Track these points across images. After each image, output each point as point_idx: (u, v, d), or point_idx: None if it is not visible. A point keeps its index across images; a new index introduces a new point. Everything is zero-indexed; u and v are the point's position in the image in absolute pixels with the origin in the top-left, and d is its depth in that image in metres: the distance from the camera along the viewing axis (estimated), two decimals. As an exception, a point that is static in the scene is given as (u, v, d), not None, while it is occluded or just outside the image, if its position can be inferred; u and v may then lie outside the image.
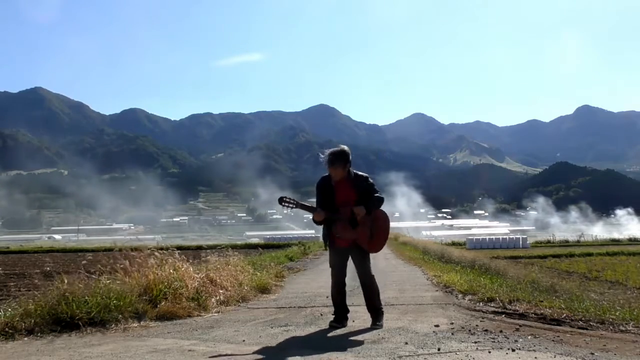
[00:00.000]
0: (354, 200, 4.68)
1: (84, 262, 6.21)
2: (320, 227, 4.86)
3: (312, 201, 4.95)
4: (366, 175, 4.78)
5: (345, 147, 4.72)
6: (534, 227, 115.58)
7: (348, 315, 4.91)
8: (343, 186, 4.69)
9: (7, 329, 4.50)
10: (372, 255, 4.93)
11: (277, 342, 4.20)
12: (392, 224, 5.22)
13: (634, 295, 10.53)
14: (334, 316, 4.91)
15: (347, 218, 4.65)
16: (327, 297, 7.04)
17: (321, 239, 5.07)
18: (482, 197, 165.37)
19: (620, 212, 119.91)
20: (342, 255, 4.79)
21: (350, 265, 4.85)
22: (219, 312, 5.92)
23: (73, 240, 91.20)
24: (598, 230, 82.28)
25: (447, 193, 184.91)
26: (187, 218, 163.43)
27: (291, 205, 4.65)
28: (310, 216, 4.82)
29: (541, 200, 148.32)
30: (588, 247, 34.56)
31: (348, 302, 4.92)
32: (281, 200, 4.66)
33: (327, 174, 4.75)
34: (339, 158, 4.60)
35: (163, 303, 5.54)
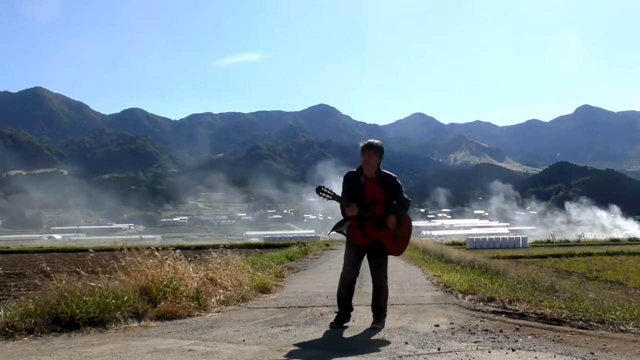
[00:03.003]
0: (382, 199, 4.65)
1: (82, 259, 6.20)
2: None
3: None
4: (395, 175, 4.77)
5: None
6: (533, 227, 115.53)
7: (351, 314, 4.87)
8: (372, 184, 4.66)
9: (7, 329, 4.50)
10: None
11: (278, 342, 4.19)
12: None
13: (634, 295, 10.51)
14: (335, 315, 4.88)
15: (376, 217, 4.60)
16: (327, 297, 7.05)
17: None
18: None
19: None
20: (360, 253, 4.74)
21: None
22: (219, 311, 5.91)
23: (73, 240, 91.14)
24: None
25: (447, 193, 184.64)
26: (187, 218, 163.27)
27: (328, 196, 4.57)
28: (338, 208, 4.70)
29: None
30: (588, 247, 34.51)
31: (348, 301, 4.89)
32: (319, 190, 4.55)
33: (354, 169, 4.74)
34: (376, 146, 4.64)
35: (163, 303, 5.54)
